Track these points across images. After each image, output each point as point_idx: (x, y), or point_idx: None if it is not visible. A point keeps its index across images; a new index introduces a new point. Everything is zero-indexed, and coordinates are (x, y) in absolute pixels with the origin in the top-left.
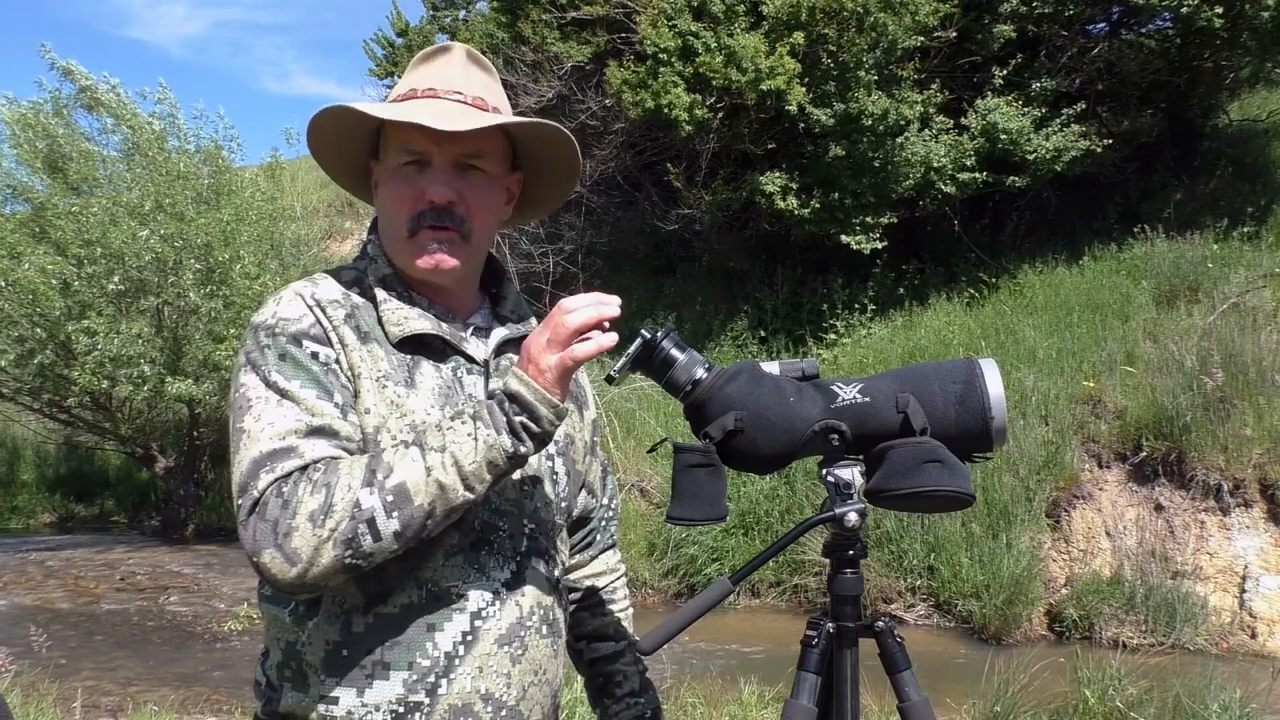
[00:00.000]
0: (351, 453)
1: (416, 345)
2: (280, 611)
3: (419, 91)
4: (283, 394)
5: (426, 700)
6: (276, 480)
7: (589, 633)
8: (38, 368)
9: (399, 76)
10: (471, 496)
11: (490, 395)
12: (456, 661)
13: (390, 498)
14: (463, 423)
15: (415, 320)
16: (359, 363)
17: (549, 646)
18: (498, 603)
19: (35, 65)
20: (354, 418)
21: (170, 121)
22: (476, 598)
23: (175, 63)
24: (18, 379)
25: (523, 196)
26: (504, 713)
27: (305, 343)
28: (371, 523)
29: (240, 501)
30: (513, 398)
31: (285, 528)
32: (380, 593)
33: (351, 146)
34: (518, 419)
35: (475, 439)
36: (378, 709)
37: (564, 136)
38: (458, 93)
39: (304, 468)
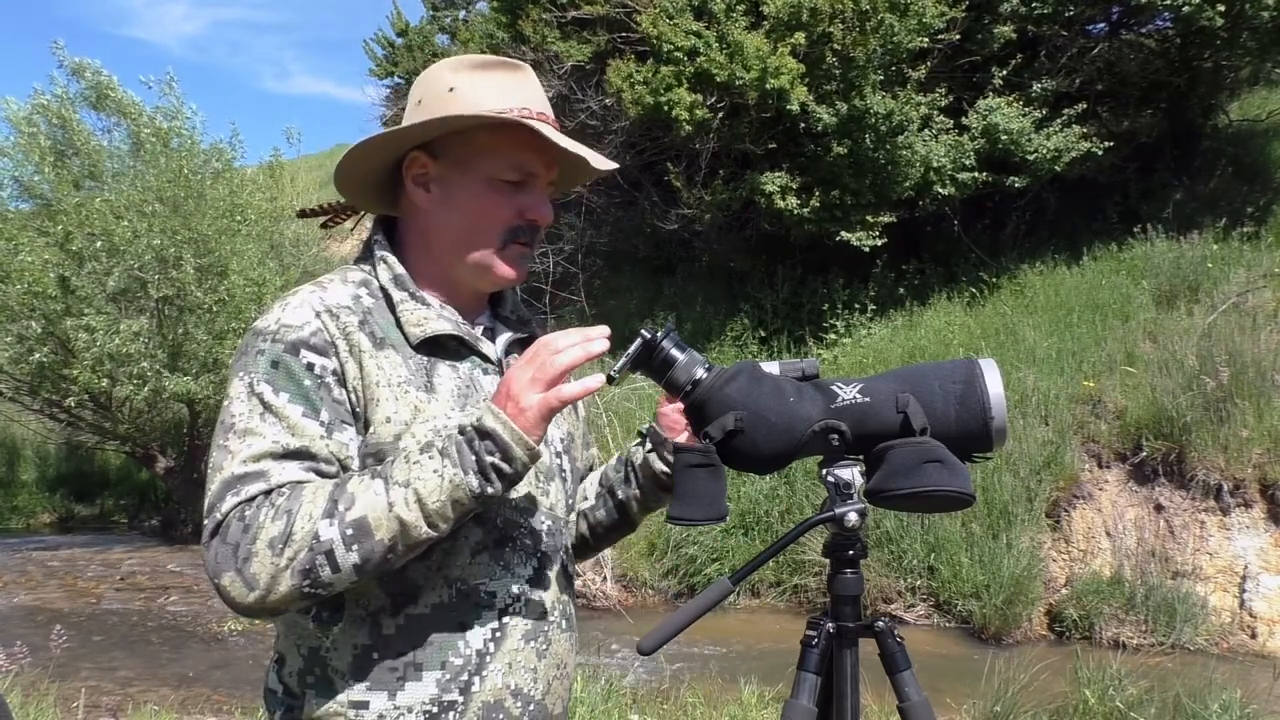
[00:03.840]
0: (328, 475)
1: (432, 347)
2: (302, 617)
3: (533, 112)
4: (266, 407)
5: (460, 699)
6: (240, 504)
7: (579, 497)
8: (36, 365)
9: (399, 76)
10: (435, 534)
11: (461, 430)
12: (488, 659)
13: (350, 531)
14: (430, 457)
15: (435, 321)
16: (375, 370)
17: (568, 640)
18: (523, 599)
19: (34, 64)
20: (340, 435)
21: (171, 117)
22: (504, 595)
23: (175, 62)
24: (16, 376)
25: None
26: (532, 707)
27: (303, 352)
28: (330, 555)
29: (206, 522)
30: (487, 435)
31: (245, 553)
32: (408, 593)
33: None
34: (489, 459)
35: (442, 477)
36: (410, 710)
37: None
38: (555, 119)
39: (269, 492)
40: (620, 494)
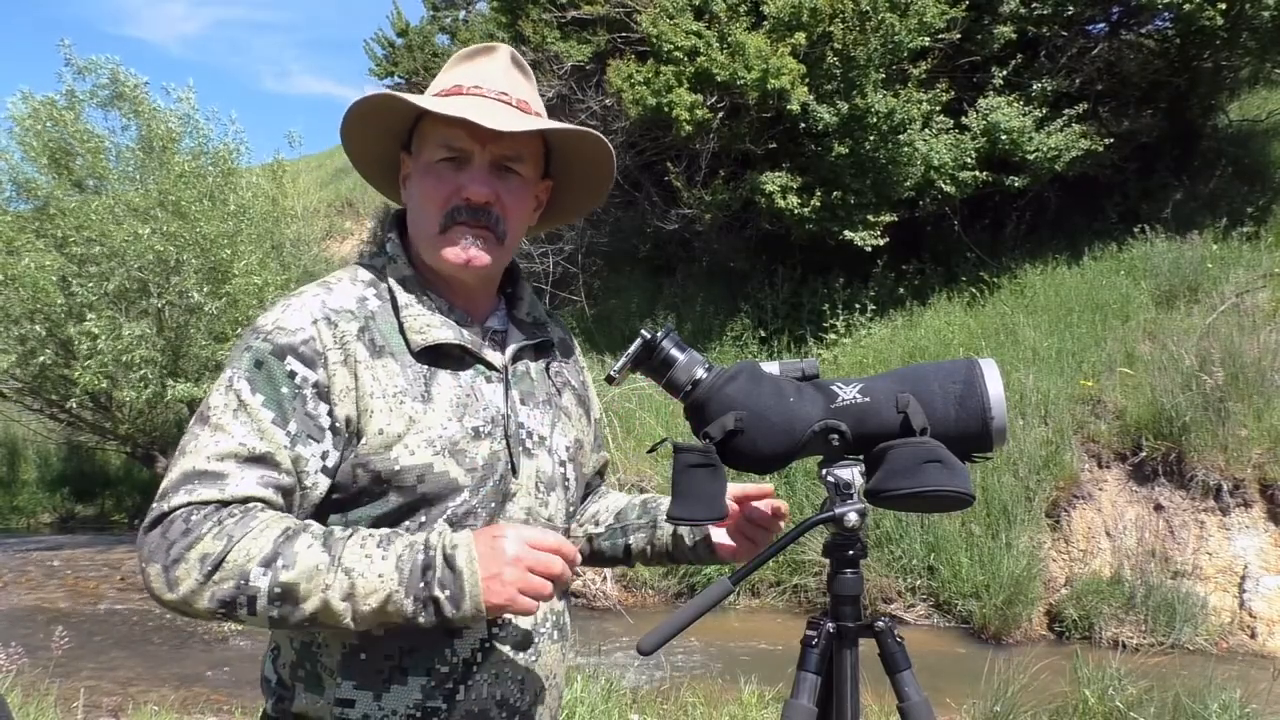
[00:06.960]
0: (285, 488)
1: (434, 354)
2: None
3: (465, 88)
4: (241, 405)
5: (444, 706)
6: (190, 505)
7: (588, 518)
8: (39, 368)
9: (399, 76)
10: (355, 629)
11: (428, 546)
12: (474, 668)
13: (278, 590)
14: (384, 558)
15: (439, 329)
16: (370, 381)
17: (558, 651)
18: None
19: (33, 63)
20: (304, 449)
21: (187, 120)
22: None
23: (175, 61)
24: (20, 379)
25: (548, 204)
26: (517, 718)
27: (288, 358)
28: (253, 601)
29: (152, 507)
30: (452, 568)
31: (177, 554)
32: None
33: (383, 138)
34: (440, 592)
35: (384, 581)
36: (395, 713)
37: (604, 151)
38: (503, 93)
39: (224, 504)
40: (630, 540)
